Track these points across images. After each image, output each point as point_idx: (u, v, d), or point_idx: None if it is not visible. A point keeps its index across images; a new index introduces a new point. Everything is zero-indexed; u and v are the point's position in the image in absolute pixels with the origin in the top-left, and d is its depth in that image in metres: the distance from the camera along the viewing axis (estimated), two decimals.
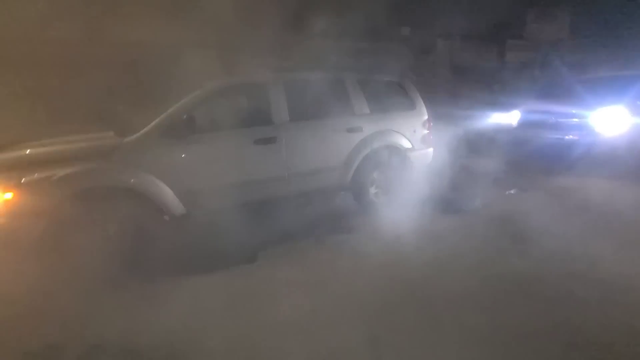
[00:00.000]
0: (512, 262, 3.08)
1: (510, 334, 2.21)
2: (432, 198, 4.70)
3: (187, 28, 9.14)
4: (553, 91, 6.68)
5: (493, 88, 13.18)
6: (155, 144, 3.03)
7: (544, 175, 5.60)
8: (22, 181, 2.65)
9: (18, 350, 2.19)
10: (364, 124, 4.02)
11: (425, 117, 4.52)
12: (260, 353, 2.12)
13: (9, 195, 2.62)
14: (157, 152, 3.03)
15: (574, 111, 5.62)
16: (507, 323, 2.31)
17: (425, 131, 4.52)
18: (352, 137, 3.95)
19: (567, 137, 5.58)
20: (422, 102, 4.51)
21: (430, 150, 4.63)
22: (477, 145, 6.70)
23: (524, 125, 6.53)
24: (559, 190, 4.97)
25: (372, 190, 4.20)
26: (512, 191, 5.10)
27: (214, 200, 3.30)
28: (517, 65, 13.75)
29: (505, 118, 7.15)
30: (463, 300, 2.55)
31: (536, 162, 6.01)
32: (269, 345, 2.16)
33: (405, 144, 4.31)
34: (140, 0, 8.22)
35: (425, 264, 3.08)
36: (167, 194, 3.08)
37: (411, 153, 4.36)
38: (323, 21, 10.82)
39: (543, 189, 5.06)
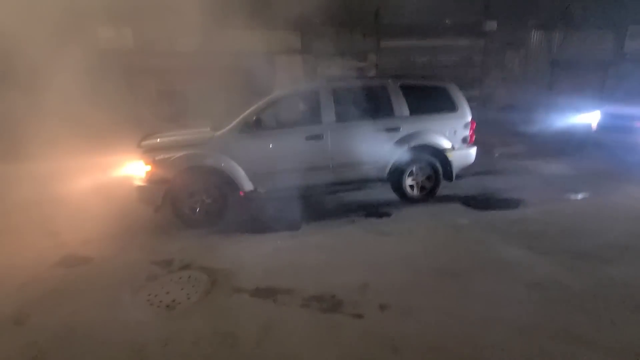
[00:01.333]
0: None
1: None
2: (477, 195, 5.07)
3: (276, 37, 10.56)
4: None
5: (605, 84, 11.71)
6: (235, 137, 4.25)
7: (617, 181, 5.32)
8: (155, 159, 4.14)
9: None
10: (402, 124, 4.65)
11: (468, 119, 4.88)
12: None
13: (148, 168, 4.13)
14: (236, 143, 4.24)
15: None
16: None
17: (467, 132, 4.88)
18: (390, 136, 4.62)
19: None
20: (465, 105, 4.88)
21: (472, 150, 4.97)
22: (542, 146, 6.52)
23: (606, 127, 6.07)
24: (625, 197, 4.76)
25: (408, 183, 4.80)
26: (577, 196, 5.02)
27: (274, 181, 4.40)
28: None
29: (585, 118, 6.70)
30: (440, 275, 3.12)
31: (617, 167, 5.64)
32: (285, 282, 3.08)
33: (444, 143, 4.78)
34: (237, 14, 9.88)
35: (433, 246, 3.64)
36: (242, 174, 4.29)
37: (450, 152, 4.80)
38: (399, 21, 11.11)
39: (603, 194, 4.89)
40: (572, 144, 6.67)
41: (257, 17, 10.20)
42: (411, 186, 4.80)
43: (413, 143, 4.63)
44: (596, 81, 12.05)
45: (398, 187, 4.76)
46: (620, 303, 2.63)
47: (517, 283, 2.93)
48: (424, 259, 3.40)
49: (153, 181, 4.08)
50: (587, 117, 6.51)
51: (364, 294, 2.86)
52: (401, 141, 4.61)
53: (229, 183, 4.24)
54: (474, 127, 4.90)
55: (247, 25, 10.32)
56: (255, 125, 4.16)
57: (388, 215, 4.52)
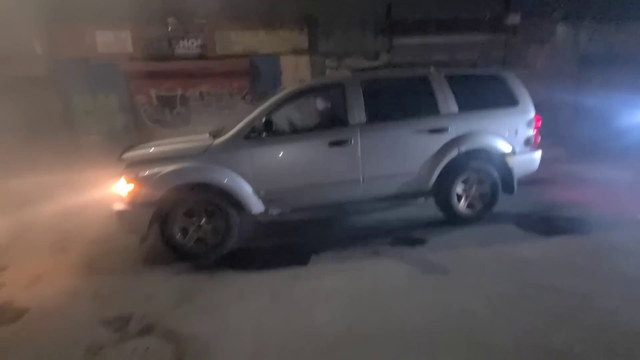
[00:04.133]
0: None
1: None
2: (532, 213, 4.02)
3: (282, 37, 9.78)
4: None
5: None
6: (239, 145, 3.27)
7: None
8: (139, 175, 3.17)
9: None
10: (451, 124, 3.64)
11: (531, 114, 3.85)
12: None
13: (131, 187, 3.17)
14: (240, 153, 3.26)
15: None
16: None
17: (531, 132, 3.86)
18: (436, 139, 3.62)
19: None
20: (527, 97, 3.86)
21: (537, 154, 3.94)
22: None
23: None
24: None
25: (457, 199, 3.78)
26: None
27: (289, 200, 3.40)
28: None
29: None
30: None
31: None
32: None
33: (503, 147, 3.75)
34: (240, 17, 9.16)
35: (499, 298, 2.42)
36: (247, 192, 3.30)
37: (510, 158, 3.78)
38: (413, 16, 10.21)
39: None
40: (622, 145, 5.66)
41: (261, 15, 9.48)
42: (460, 203, 3.78)
43: (464, 147, 3.61)
44: (630, 77, 10.93)
45: (445, 202, 3.73)
46: None
47: None
48: (491, 323, 2.16)
49: (137, 203, 3.12)
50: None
51: None
52: (449, 145, 3.59)
53: (233, 204, 3.26)
54: (539, 124, 3.88)
55: (251, 25, 9.62)
56: (264, 130, 3.18)
57: (422, 242, 3.45)
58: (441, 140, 3.55)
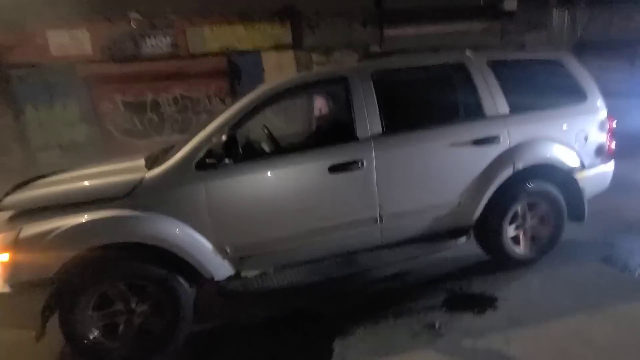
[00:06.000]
0: None
1: None
2: (599, 242, 2.90)
3: (263, 32, 8.61)
4: None
5: (635, 66, 10.08)
6: (186, 179, 2.03)
7: None
8: (19, 236, 1.89)
9: None
10: (502, 130, 2.47)
11: (604, 113, 2.72)
12: None
13: (5, 257, 1.88)
14: (189, 190, 2.01)
15: None
16: None
17: (603, 136, 2.73)
18: (482, 153, 2.44)
19: None
20: (596, 89, 2.73)
21: (610, 166, 2.81)
22: None
23: None
24: None
25: (511, 234, 2.61)
26: None
27: (271, 255, 2.20)
28: None
29: None
30: None
31: None
32: None
33: (571, 159, 2.61)
34: (214, 11, 7.96)
35: None
36: (203, 250, 2.06)
37: (580, 173, 2.64)
38: (404, 5, 9.24)
39: None
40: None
41: (238, 8, 8.35)
42: (514, 238, 2.61)
43: (521, 163, 2.45)
44: (625, 64, 10.41)
45: (494, 240, 2.56)
46: None
47: None
48: None
49: (19, 283, 1.85)
50: None
51: None
52: (501, 160, 2.43)
53: (183, 270, 2.02)
54: (613, 125, 2.75)
55: (227, 19, 8.48)
56: (226, 154, 1.94)
57: (491, 302, 2.33)
58: (489, 154, 2.38)
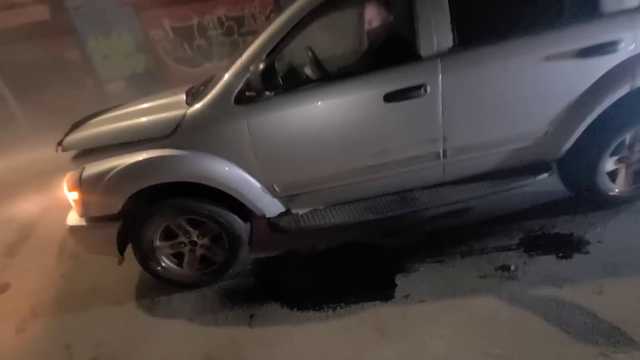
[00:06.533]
0: None
1: None
2: None
3: None
4: None
5: None
6: (225, 115, 1.85)
7: None
8: (83, 177, 1.98)
9: None
10: (625, 32, 1.80)
11: None
12: None
13: (74, 195, 2.02)
14: (230, 127, 1.86)
15: None
16: None
17: None
18: (590, 67, 1.84)
19: None
20: None
21: None
22: None
23: None
24: None
25: (608, 168, 2.11)
26: None
27: (322, 193, 2.07)
28: None
29: None
30: None
31: None
32: None
33: None
34: None
35: None
36: (253, 189, 1.99)
37: None
38: None
39: None
40: None
41: None
42: (611, 173, 2.11)
43: None
44: None
45: (583, 177, 2.10)
46: None
47: None
48: None
49: (91, 218, 2.01)
50: None
51: None
52: (616, 74, 1.83)
53: (235, 207, 2.01)
54: None
55: None
56: (265, 84, 1.69)
57: (581, 245, 2.01)
58: (600, 66, 1.80)
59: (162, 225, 1.98)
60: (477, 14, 1.76)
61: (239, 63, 1.78)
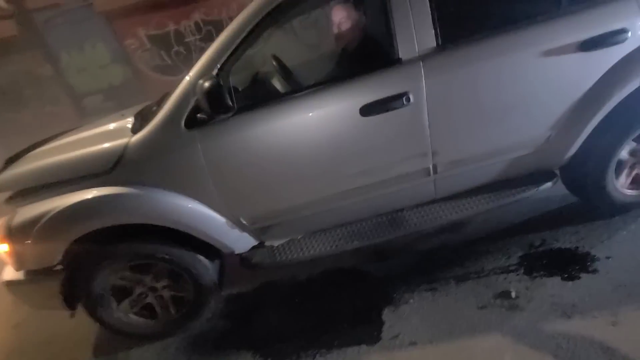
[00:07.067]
0: None
1: None
2: None
3: None
4: None
5: None
6: (174, 141, 1.56)
7: None
8: (12, 224, 1.66)
9: None
10: (633, 19, 1.54)
11: None
12: None
13: (4, 248, 1.70)
14: (181, 155, 1.56)
15: None
16: None
17: None
18: (595, 60, 1.58)
19: None
20: None
21: None
22: None
23: None
24: None
25: (618, 171, 1.86)
26: None
27: (298, 222, 1.79)
28: None
29: None
30: None
31: None
32: None
33: None
34: None
35: None
36: (217, 224, 1.70)
37: None
38: None
39: None
40: None
41: None
42: (623, 176, 1.86)
43: None
44: None
45: (591, 183, 1.85)
46: None
47: None
48: None
49: (29, 271, 1.70)
50: None
51: None
52: (624, 68, 1.57)
53: (195, 246, 1.71)
54: None
55: None
56: (215, 105, 1.39)
57: (588, 262, 1.78)
58: (606, 59, 1.53)
59: (108, 279, 1.67)
60: (463, 7, 1.49)
61: (186, 80, 1.47)
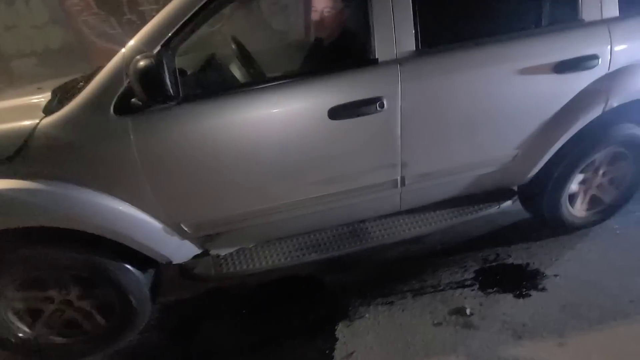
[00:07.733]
0: None
1: None
2: None
3: None
4: None
5: None
6: (99, 129, 1.25)
7: None
8: None
9: None
10: (604, 46, 1.53)
11: None
12: None
13: None
14: (107, 147, 1.27)
15: None
16: None
17: None
18: (567, 83, 1.55)
19: None
20: None
21: None
22: None
23: None
24: None
25: (571, 192, 1.90)
26: None
27: (249, 231, 1.57)
28: None
29: None
30: None
31: None
32: None
33: None
34: None
35: None
36: (151, 230, 1.42)
37: None
38: None
39: None
40: None
41: None
42: (571, 197, 1.91)
43: (619, 97, 1.60)
44: None
45: (550, 202, 1.87)
46: None
47: None
48: None
49: None
50: None
51: None
52: (591, 93, 1.57)
53: (128, 255, 1.41)
54: None
55: None
56: (153, 92, 1.10)
57: (537, 280, 1.81)
58: (576, 84, 1.50)
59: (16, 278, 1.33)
60: (445, 12, 1.35)
61: (121, 53, 1.16)
